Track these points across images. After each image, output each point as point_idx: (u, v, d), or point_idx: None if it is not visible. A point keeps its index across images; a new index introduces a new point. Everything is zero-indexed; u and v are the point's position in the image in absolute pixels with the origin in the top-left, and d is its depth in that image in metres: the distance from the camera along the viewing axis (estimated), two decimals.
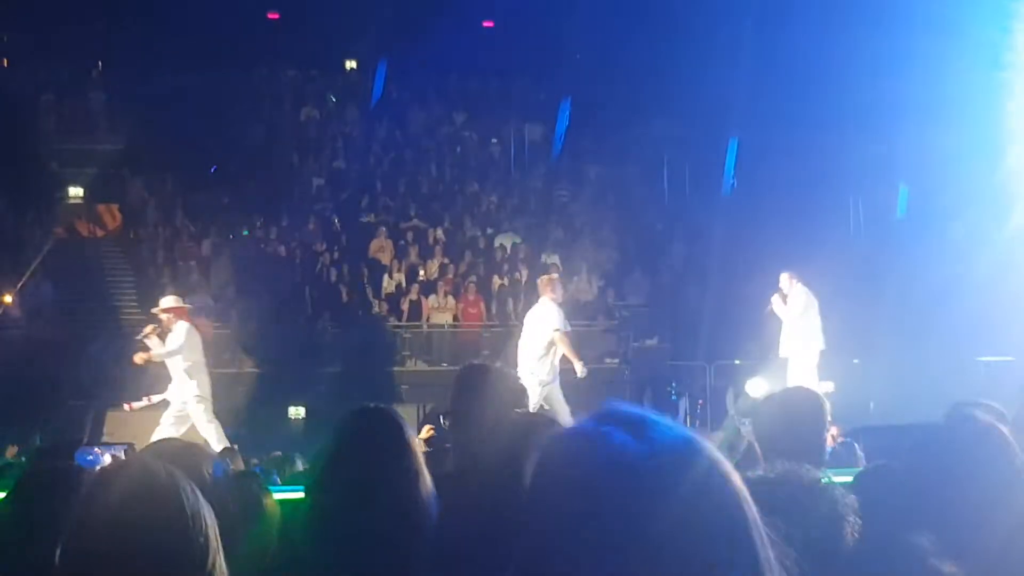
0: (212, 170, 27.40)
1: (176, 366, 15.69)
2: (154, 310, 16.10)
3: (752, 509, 1.49)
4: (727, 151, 25.79)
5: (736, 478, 1.52)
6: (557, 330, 15.19)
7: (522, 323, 24.04)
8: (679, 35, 25.51)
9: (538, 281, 16.17)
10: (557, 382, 15.49)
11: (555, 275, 16.37)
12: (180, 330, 15.74)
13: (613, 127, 29.47)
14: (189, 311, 16.28)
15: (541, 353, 15.35)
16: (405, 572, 3.33)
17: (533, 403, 14.99)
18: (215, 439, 15.37)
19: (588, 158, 30.00)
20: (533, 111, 30.90)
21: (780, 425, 4.81)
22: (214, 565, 2.13)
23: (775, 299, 16.65)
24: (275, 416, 21.50)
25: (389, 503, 3.41)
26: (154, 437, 15.58)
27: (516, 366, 15.17)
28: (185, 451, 3.36)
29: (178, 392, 15.70)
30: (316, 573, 3.44)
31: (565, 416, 14.86)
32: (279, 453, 17.45)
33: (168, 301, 16.00)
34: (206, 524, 2.13)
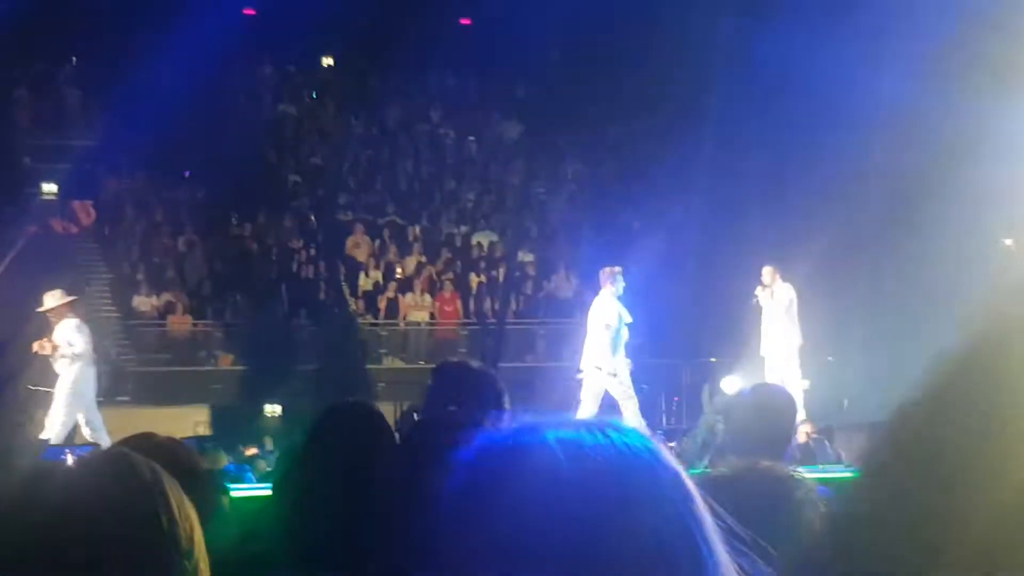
0: (186, 175, 27.28)
1: (62, 359, 15.64)
2: (40, 309, 15.99)
3: (696, 510, 1.46)
4: (702, 146, 25.80)
5: (677, 481, 1.48)
6: (608, 325, 15.28)
7: (499, 320, 24.08)
8: (656, 32, 25.51)
9: (600, 273, 16.26)
10: (626, 374, 15.55)
11: (617, 268, 16.30)
12: (70, 326, 15.66)
13: (590, 125, 29.48)
14: (74, 304, 16.16)
15: (605, 345, 15.42)
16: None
17: (595, 395, 15.11)
18: (59, 431, 15.40)
19: (565, 156, 30.02)
20: (510, 109, 30.90)
21: (750, 421, 4.85)
22: (197, 567, 2.10)
23: (759, 291, 16.62)
24: (251, 414, 21.44)
25: (372, 498, 3.38)
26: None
27: (582, 361, 15.34)
28: (167, 445, 3.34)
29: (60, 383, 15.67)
30: (289, 572, 3.42)
31: (628, 410, 14.98)
32: (255, 450, 17.46)
33: (52, 298, 15.89)
34: (190, 524, 2.11)
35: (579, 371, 15.94)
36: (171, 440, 3.55)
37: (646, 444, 1.49)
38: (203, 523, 2.14)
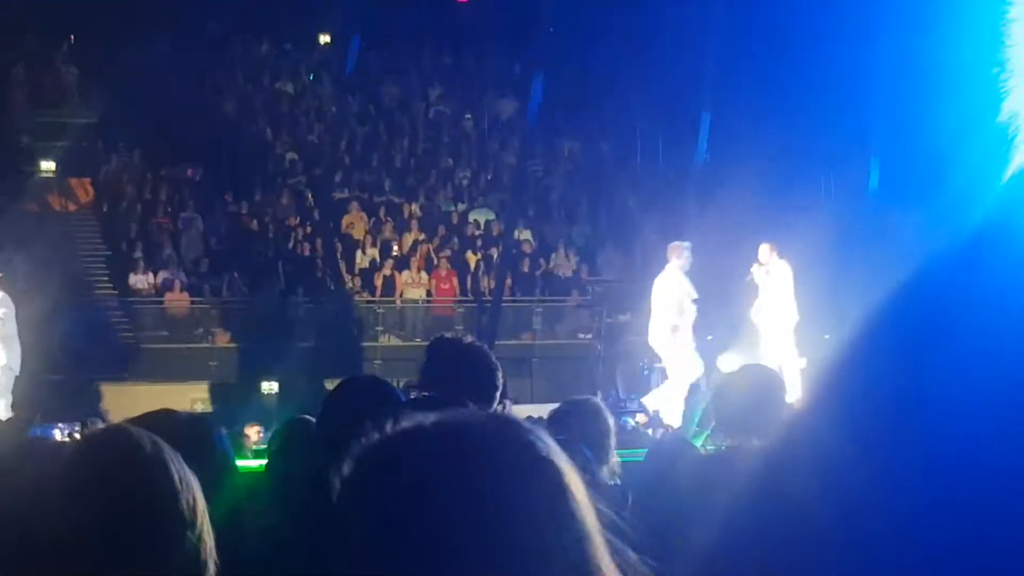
0: (189, 173, 27.23)
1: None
2: None
3: (572, 508, 1.49)
4: (700, 125, 25.77)
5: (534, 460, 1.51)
6: (673, 300, 15.25)
7: (495, 298, 24.08)
8: (651, 9, 25.49)
9: (668, 247, 16.16)
10: (692, 349, 15.54)
11: (685, 243, 16.22)
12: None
13: (586, 102, 29.43)
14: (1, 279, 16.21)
15: (671, 321, 15.38)
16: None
17: (675, 365, 15.11)
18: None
19: (562, 133, 29.99)
20: (507, 86, 30.85)
21: (740, 401, 4.91)
22: (198, 542, 2.12)
23: (755, 269, 16.61)
24: (248, 390, 21.47)
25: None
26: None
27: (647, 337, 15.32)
28: (190, 421, 3.34)
29: None
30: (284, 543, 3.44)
31: (678, 386, 14.92)
32: (258, 427, 17.47)
33: None
34: (193, 496, 2.12)
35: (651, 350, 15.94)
36: (192, 416, 3.55)
37: (529, 440, 1.54)
38: (215, 497, 2.16)
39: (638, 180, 28.81)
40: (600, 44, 26.84)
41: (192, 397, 21.36)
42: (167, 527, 2.08)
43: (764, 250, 16.53)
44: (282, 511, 3.70)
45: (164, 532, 2.08)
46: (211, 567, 2.12)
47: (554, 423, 6.41)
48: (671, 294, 15.49)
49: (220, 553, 2.16)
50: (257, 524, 3.58)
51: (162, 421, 3.06)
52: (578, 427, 6.07)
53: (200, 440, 2.88)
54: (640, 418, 16.37)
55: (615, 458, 6.35)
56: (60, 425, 13.39)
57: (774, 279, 16.47)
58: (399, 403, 3.95)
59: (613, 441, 6.33)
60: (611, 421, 6.46)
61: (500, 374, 5.23)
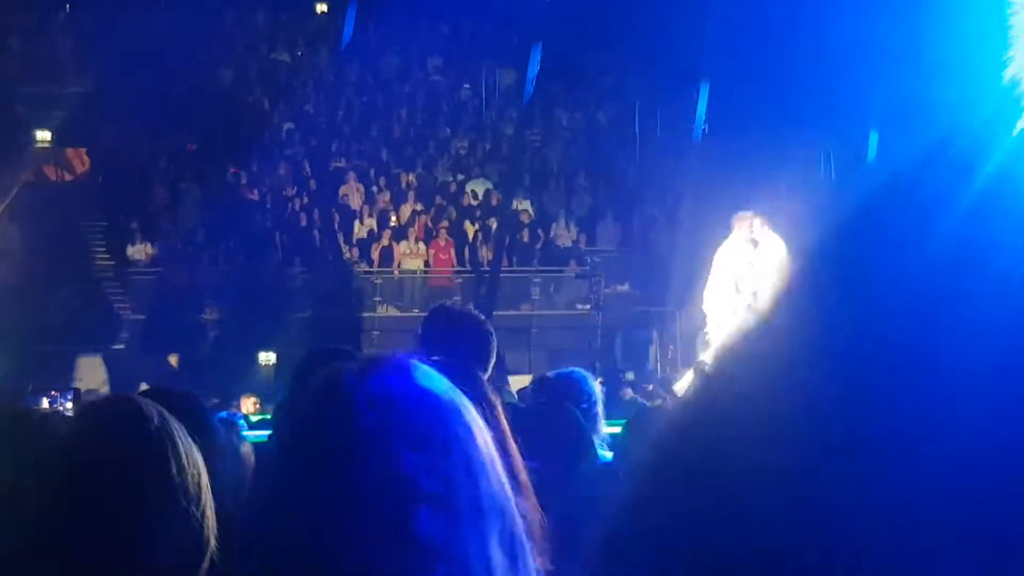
0: (189, 146, 27.16)
1: None
2: None
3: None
4: (698, 96, 25.71)
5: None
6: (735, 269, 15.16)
7: (493, 269, 24.04)
8: None
9: (733, 217, 16.01)
10: None
11: (750, 213, 16.07)
12: None
13: (584, 73, 29.36)
14: None
15: (730, 293, 15.30)
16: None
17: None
18: None
19: (560, 104, 29.93)
20: (504, 56, 30.74)
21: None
22: (202, 515, 2.10)
23: (742, 244, 16.40)
24: (245, 361, 21.48)
25: None
26: None
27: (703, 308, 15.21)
28: (180, 397, 3.33)
29: None
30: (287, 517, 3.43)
31: None
32: (254, 398, 17.46)
33: None
34: (198, 471, 2.11)
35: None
36: (185, 394, 3.55)
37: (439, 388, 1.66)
38: (218, 471, 2.15)
39: (636, 151, 28.75)
40: (598, 14, 26.74)
41: (189, 368, 21.39)
42: (170, 501, 2.06)
43: (752, 223, 16.21)
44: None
45: (167, 506, 2.06)
46: (212, 542, 2.11)
47: (536, 393, 6.40)
48: (730, 264, 15.41)
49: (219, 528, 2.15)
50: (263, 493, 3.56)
51: (155, 399, 3.04)
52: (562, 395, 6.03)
53: (194, 417, 2.86)
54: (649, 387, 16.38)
55: (603, 428, 6.31)
56: (53, 393, 13.34)
57: (762, 252, 16.24)
58: None
59: (599, 410, 6.28)
60: (597, 390, 6.42)
61: (494, 342, 5.26)
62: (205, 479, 2.13)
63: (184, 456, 2.09)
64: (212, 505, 2.15)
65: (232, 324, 23.13)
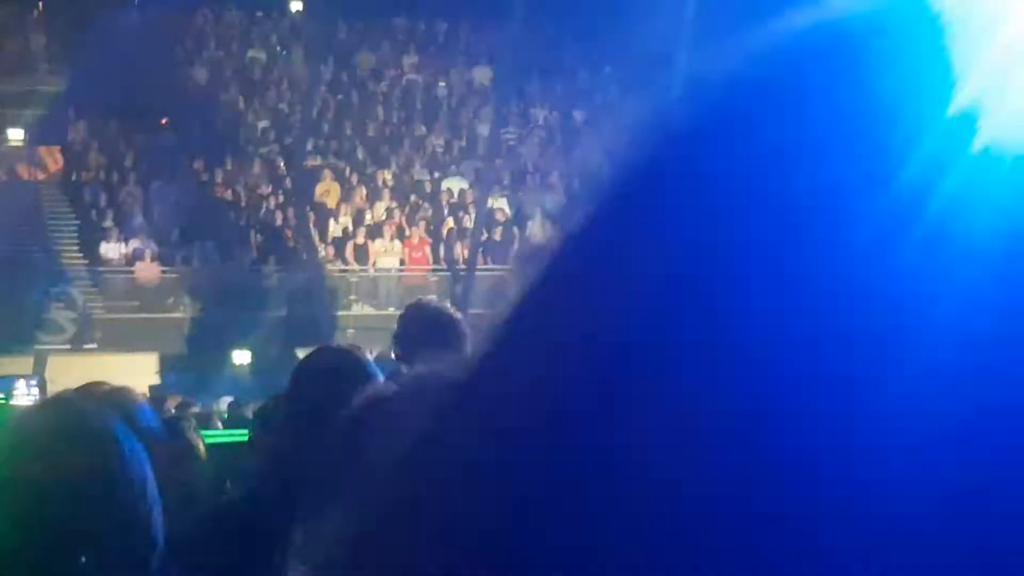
0: (163, 121, 27.05)
1: None
2: None
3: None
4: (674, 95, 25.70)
5: None
6: None
7: (469, 266, 23.99)
8: None
9: None
10: None
11: None
12: None
13: (561, 71, 29.35)
14: None
15: None
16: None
17: None
18: None
19: (536, 102, 29.91)
20: (480, 54, 30.72)
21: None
22: (148, 514, 2.05)
23: None
24: (220, 360, 21.40)
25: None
26: None
27: None
28: (114, 394, 3.28)
29: None
30: (265, 512, 3.38)
31: None
32: (229, 398, 17.39)
33: None
34: (142, 470, 2.05)
35: None
36: (116, 389, 3.48)
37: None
38: (178, 469, 2.09)
39: (612, 148, 28.72)
40: (573, 12, 26.73)
41: (163, 367, 21.32)
42: (115, 501, 2.00)
43: None
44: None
45: (112, 506, 2.01)
46: (160, 541, 2.05)
47: None
48: None
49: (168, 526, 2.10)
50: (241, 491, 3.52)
51: (88, 395, 3.00)
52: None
53: (127, 413, 2.80)
54: None
55: None
56: (24, 377, 13.25)
57: None
58: (369, 375, 3.88)
59: None
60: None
61: (468, 340, 5.19)
62: (151, 476, 2.07)
63: (127, 454, 2.03)
64: (159, 502, 2.09)
65: (206, 323, 23.04)
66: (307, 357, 3.97)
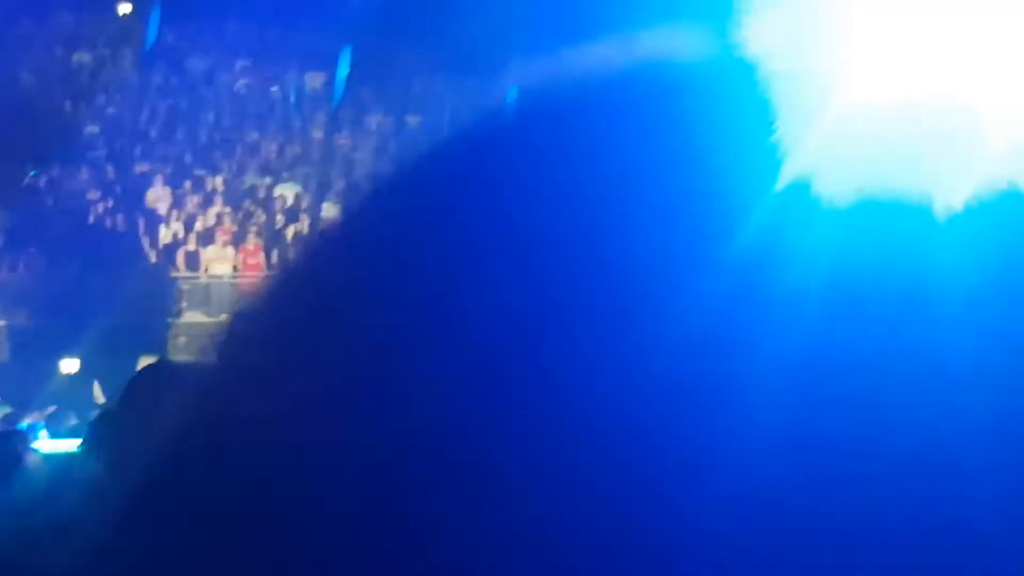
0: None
1: None
2: None
3: None
4: (508, 100, 25.87)
5: None
6: None
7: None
8: None
9: None
10: None
11: None
12: None
13: (394, 77, 29.34)
14: None
15: None
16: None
17: None
18: None
19: (370, 108, 29.87)
20: (314, 59, 30.56)
21: None
22: None
23: None
24: (47, 370, 20.97)
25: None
26: None
27: None
28: None
29: None
30: (98, 526, 3.33)
31: None
32: (54, 408, 17.05)
33: None
34: None
35: None
36: None
37: None
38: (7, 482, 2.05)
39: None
40: (405, 16, 26.76)
41: None
42: None
43: None
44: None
45: None
46: None
47: None
48: None
49: None
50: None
51: None
52: None
53: None
54: None
55: None
56: None
57: None
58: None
59: None
60: None
61: None
62: None
63: None
64: None
65: (32, 331, 22.56)
66: (142, 370, 3.95)
